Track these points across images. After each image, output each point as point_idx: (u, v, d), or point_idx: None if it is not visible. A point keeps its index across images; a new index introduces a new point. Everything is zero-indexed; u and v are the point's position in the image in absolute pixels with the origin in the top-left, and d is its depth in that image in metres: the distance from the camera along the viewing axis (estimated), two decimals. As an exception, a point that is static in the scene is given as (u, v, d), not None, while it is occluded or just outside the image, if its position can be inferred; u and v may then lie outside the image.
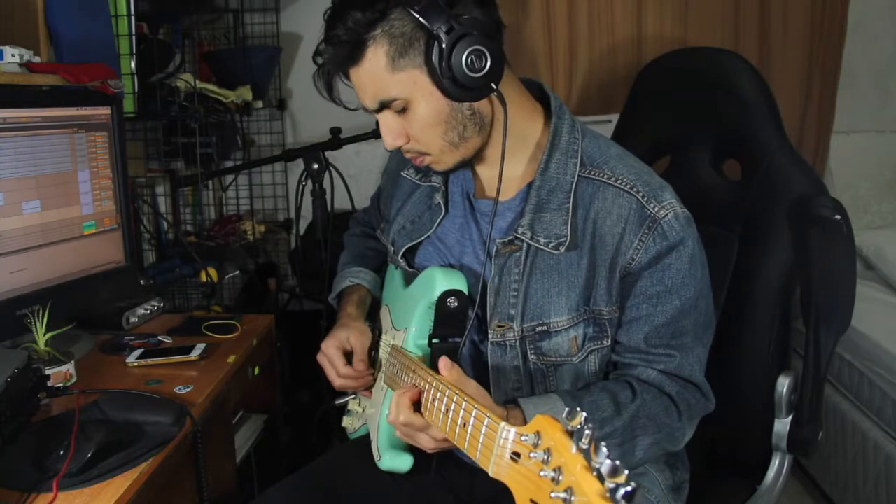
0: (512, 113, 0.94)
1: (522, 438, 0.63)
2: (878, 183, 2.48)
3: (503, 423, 0.69)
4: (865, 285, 2.08)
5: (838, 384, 1.93)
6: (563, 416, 0.59)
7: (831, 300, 1.15)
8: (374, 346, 1.13)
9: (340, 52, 0.90)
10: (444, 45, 0.86)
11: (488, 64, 0.88)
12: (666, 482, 1.04)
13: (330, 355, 1.09)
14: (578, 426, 0.56)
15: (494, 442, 0.69)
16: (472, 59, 0.87)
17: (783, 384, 1.17)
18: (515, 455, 0.65)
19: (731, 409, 1.19)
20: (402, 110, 0.92)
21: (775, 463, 1.20)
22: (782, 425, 1.18)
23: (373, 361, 1.13)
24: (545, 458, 0.58)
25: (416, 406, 0.88)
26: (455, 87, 0.89)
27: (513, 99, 0.96)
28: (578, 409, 0.58)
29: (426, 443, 0.88)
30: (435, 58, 0.87)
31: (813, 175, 1.19)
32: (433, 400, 0.84)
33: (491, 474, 0.69)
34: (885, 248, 2.18)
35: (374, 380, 1.11)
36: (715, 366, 1.21)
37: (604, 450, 0.53)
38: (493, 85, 0.90)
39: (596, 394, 0.93)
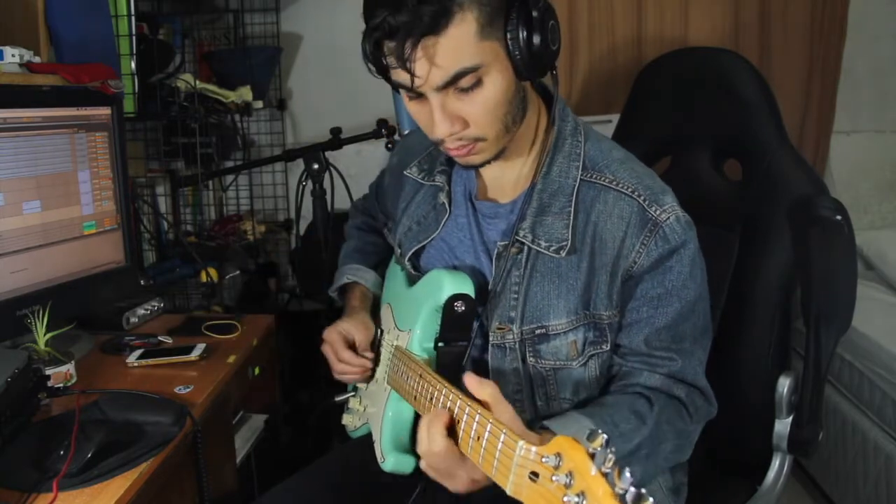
0: (529, 110, 0.95)
1: (543, 460, 0.61)
2: (878, 183, 2.48)
3: (521, 441, 0.66)
4: (865, 285, 2.08)
5: (838, 384, 1.93)
6: (585, 437, 0.57)
7: (831, 300, 1.15)
8: (377, 343, 1.13)
9: (425, 15, 0.80)
10: (535, 16, 0.84)
11: (559, 42, 0.88)
12: (666, 484, 1.04)
13: (331, 340, 1.09)
14: (600, 448, 0.55)
15: (512, 460, 0.67)
16: (551, 33, 0.86)
17: (783, 384, 1.17)
18: (534, 475, 0.63)
19: (731, 409, 1.19)
20: (471, 87, 0.86)
21: (775, 463, 1.19)
22: (782, 426, 1.17)
23: (375, 359, 1.12)
24: (568, 481, 0.57)
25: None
26: (531, 62, 0.86)
27: (530, 94, 0.96)
28: (600, 430, 0.57)
29: (462, 485, 0.80)
30: (521, 30, 0.85)
31: (813, 175, 1.19)
32: (443, 408, 0.83)
33: (509, 492, 0.67)
34: (885, 249, 2.18)
35: (373, 375, 1.11)
36: (715, 366, 1.21)
37: (627, 475, 0.53)
38: (555, 62, 0.89)
39: (613, 407, 0.92)
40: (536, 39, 0.85)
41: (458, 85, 0.85)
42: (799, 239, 1.16)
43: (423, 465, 0.81)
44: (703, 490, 1.16)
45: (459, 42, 0.82)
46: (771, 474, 1.19)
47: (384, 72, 0.87)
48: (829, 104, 2.27)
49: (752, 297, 1.20)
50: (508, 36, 0.85)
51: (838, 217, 1.10)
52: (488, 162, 0.94)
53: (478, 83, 0.85)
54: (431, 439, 0.78)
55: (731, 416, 1.19)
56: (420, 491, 0.97)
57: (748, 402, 1.21)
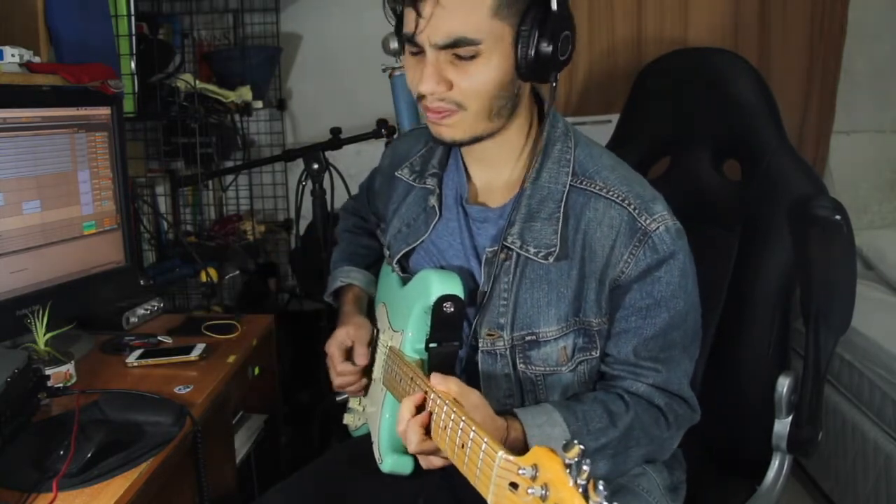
0: (520, 113, 0.95)
1: (520, 472, 0.61)
2: (878, 183, 2.48)
3: (500, 452, 0.67)
4: (865, 285, 2.08)
5: (838, 384, 1.93)
6: (561, 447, 0.57)
7: (831, 300, 1.15)
8: (373, 341, 1.13)
9: None
10: (551, 19, 0.85)
11: (568, 53, 0.88)
12: (664, 483, 1.04)
13: (331, 353, 1.09)
14: (576, 459, 0.56)
15: (492, 469, 0.67)
16: (562, 43, 0.86)
17: (783, 384, 1.17)
18: (513, 485, 0.63)
19: (731, 409, 1.19)
20: (468, 58, 0.86)
21: (775, 463, 1.19)
22: (782, 425, 1.18)
23: (371, 359, 1.13)
24: (543, 493, 0.58)
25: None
26: (534, 63, 0.86)
27: (525, 96, 0.96)
28: (575, 441, 0.57)
29: (439, 462, 0.86)
30: (534, 27, 0.85)
31: (813, 175, 1.19)
32: (430, 412, 0.84)
33: (490, 503, 0.67)
34: (885, 249, 2.18)
35: (371, 380, 1.11)
36: (715, 366, 1.21)
37: (601, 488, 0.53)
38: (557, 75, 0.89)
39: (589, 404, 0.93)
40: (544, 44, 0.85)
41: (457, 52, 0.86)
42: (798, 239, 1.16)
43: (410, 448, 0.86)
44: (703, 489, 1.16)
45: (471, 9, 0.84)
46: (770, 474, 1.19)
47: (398, 20, 0.92)
48: (828, 104, 2.27)
49: (752, 297, 1.20)
50: (521, 29, 0.86)
51: (837, 217, 1.10)
52: (460, 144, 0.95)
53: (475, 58, 0.86)
54: (410, 440, 0.84)
55: (730, 415, 1.19)
56: (424, 497, 0.97)
57: (748, 402, 1.21)
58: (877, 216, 2.50)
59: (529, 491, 0.59)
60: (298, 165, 1.72)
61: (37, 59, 1.32)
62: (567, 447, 0.57)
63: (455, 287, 0.96)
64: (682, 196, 0.98)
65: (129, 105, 1.64)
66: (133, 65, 1.66)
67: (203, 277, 1.80)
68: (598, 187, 0.95)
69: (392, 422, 1.00)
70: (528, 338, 0.95)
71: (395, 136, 1.86)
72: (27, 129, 1.21)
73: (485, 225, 1.00)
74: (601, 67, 2.27)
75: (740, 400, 1.20)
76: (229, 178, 2.36)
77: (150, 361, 1.28)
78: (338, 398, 1.18)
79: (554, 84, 0.91)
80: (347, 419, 1.18)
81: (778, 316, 1.18)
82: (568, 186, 0.95)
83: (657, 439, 0.95)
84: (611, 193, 0.94)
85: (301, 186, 1.69)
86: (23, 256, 1.21)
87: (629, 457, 0.94)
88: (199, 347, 1.32)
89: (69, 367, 1.18)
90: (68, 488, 0.89)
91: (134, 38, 1.66)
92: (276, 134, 2.47)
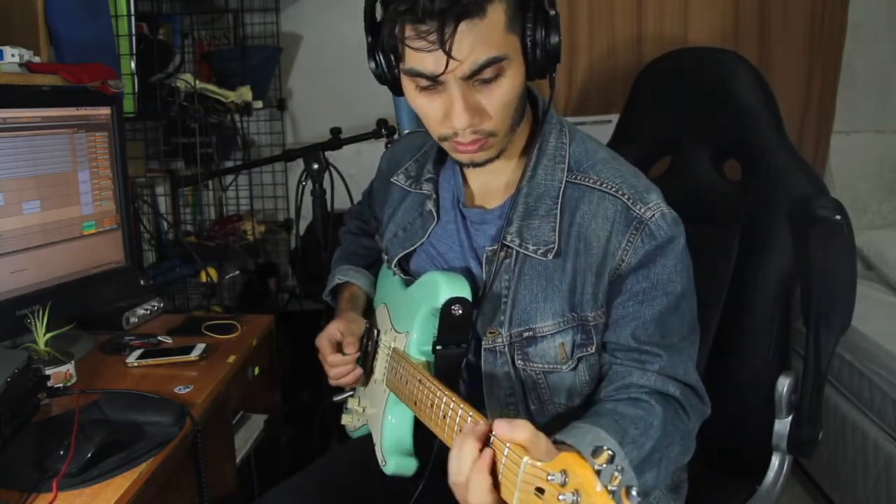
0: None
1: (549, 478, 0.60)
2: (878, 183, 2.48)
3: (526, 458, 0.65)
4: (865, 285, 2.08)
5: (838, 384, 1.93)
6: (589, 454, 0.57)
7: (831, 300, 1.15)
8: (374, 342, 1.13)
9: None
10: (552, 16, 0.85)
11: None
12: (666, 482, 1.04)
13: (320, 346, 1.09)
14: (606, 464, 0.55)
15: (517, 476, 0.66)
16: (559, 34, 0.87)
17: (783, 384, 1.17)
18: (539, 491, 0.63)
19: (731, 409, 1.19)
20: (492, 79, 0.85)
21: (775, 463, 1.19)
22: (782, 425, 1.18)
23: (370, 356, 1.12)
24: (574, 499, 0.57)
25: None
26: (546, 62, 0.87)
27: (525, 102, 0.96)
28: (604, 446, 0.56)
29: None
30: (539, 27, 0.86)
31: (813, 175, 1.19)
32: (444, 416, 0.83)
33: None
34: (885, 249, 2.18)
35: (365, 374, 1.11)
36: (715, 366, 1.21)
37: (634, 494, 0.53)
38: (556, 64, 0.89)
39: (618, 413, 0.90)
40: (554, 39, 0.86)
41: (481, 76, 0.85)
42: (799, 239, 1.16)
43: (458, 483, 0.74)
44: (703, 489, 1.16)
45: (490, 31, 0.83)
46: (770, 474, 1.19)
47: (396, 59, 0.87)
48: (829, 104, 2.27)
49: (752, 297, 1.20)
50: (527, 33, 0.86)
51: (838, 217, 1.10)
52: (490, 161, 0.94)
53: (498, 76, 0.85)
54: (462, 467, 0.72)
55: (731, 416, 1.19)
56: (420, 492, 0.97)
57: (748, 402, 1.21)
58: (877, 216, 2.50)
59: (560, 497, 0.58)
60: (298, 165, 1.72)
61: (37, 59, 1.32)
62: (596, 453, 0.56)
63: (463, 289, 0.97)
64: (682, 196, 0.98)
65: (129, 105, 1.64)
66: (133, 65, 1.66)
67: (203, 277, 1.80)
68: (592, 181, 0.95)
69: (395, 424, 1.01)
70: (525, 334, 0.95)
71: (395, 136, 1.86)
72: (27, 129, 1.21)
73: (483, 226, 1.00)
74: (601, 67, 2.27)
75: (740, 400, 1.20)
76: (229, 178, 2.36)
77: (150, 361, 1.28)
78: (335, 398, 1.18)
79: (553, 75, 0.91)
80: (345, 420, 1.18)
81: (778, 316, 1.18)
82: (564, 182, 0.96)
83: (685, 432, 0.94)
84: (604, 186, 0.94)
85: (301, 186, 1.69)
86: (23, 256, 1.21)
87: (670, 457, 0.92)
88: (199, 347, 1.32)
89: (69, 367, 1.18)
90: (68, 488, 0.89)
91: (134, 38, 1.66)
92: (276, 134, 2.47)
